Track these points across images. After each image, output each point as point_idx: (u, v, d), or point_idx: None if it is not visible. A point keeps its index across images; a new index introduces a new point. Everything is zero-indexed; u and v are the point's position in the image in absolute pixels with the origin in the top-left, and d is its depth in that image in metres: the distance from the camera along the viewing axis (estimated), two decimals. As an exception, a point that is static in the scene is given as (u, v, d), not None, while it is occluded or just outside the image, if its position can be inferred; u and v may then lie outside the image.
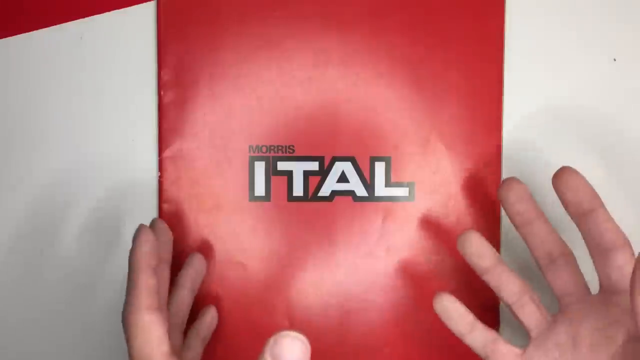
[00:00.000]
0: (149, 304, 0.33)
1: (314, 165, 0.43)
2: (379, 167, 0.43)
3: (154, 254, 0.34)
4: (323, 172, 0.43)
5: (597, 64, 0.44)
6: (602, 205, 0.36)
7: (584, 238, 0.36)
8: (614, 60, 0.44)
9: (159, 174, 0.43)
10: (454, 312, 0.38)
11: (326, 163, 0.43)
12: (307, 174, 0.43)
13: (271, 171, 0.43)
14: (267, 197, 0.43)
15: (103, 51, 0.43)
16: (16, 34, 0.43)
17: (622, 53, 0.44)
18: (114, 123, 0.43)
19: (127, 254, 0.43)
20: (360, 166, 0.43)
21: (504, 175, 0.43)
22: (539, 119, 0.44)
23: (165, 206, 0.43)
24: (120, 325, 0.42)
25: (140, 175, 0.43)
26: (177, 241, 0.42)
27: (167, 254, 0.39)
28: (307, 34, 0.43)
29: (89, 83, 0.43)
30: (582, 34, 0.44)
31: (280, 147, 0.43)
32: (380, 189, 0.43)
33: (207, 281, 0.43)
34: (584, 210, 0.36)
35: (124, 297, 0.39)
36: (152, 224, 0.40)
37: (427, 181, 0.43)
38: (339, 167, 0.43)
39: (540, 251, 0.38)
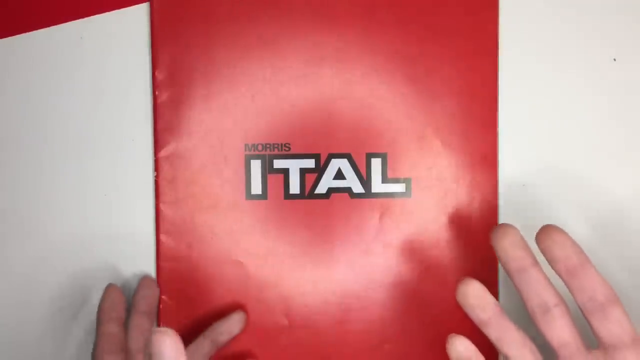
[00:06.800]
0: (108, 349, 0.39)
1: (310, 163, 0.43)
2: (375, 163, 0.43)
3: (114, 307, 0.41)
4: (319, 170, 0.43)
5: (596, 64, 0.44)
6: (589, 260, 0.36)
7: (573, 294, 0.36)
8: (614, 60, 0.44)
9: (155, 174, 0.43)
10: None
11: (322, 160, 0.43)
12: (303, 172, 0.43)
13: (267, 169, 0.43)
14: (263, 195, 0.43)
15: (102, 51, 0.43)
16: (16, 34, 0.43)
17: (622, 53, 0.44)
18: (112, 123, 0.43)
19: (122, 257, 0.43)
20: (357, 163, 0.43)
21: (500, 172, 0.43)
22: (535, 115, 0.44)
23: (162, 206, 0.43)
24: None
25: (137, 175, 0.43)
26: (176, 242, 0.43)
27: (150, 307, 0.42)
28: (301, 32, 0.43)
29: (88, 83, 0.43)
30: (581, 33, 0.44)
31: (276, 145, 0.43)
32: (377, 186, 0.43)
33: (205, 280, 0.43)
34: (574, 265, 0.35)
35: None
36: (143, 281, 0.43)
37: (423, 177, 0.43)
38: (335, 164, 0.43)
39: (534, 301, 0.36)
